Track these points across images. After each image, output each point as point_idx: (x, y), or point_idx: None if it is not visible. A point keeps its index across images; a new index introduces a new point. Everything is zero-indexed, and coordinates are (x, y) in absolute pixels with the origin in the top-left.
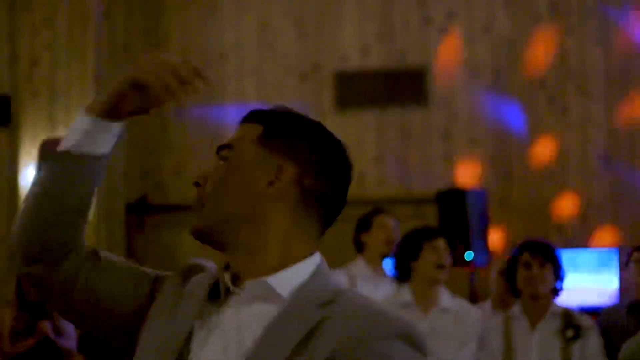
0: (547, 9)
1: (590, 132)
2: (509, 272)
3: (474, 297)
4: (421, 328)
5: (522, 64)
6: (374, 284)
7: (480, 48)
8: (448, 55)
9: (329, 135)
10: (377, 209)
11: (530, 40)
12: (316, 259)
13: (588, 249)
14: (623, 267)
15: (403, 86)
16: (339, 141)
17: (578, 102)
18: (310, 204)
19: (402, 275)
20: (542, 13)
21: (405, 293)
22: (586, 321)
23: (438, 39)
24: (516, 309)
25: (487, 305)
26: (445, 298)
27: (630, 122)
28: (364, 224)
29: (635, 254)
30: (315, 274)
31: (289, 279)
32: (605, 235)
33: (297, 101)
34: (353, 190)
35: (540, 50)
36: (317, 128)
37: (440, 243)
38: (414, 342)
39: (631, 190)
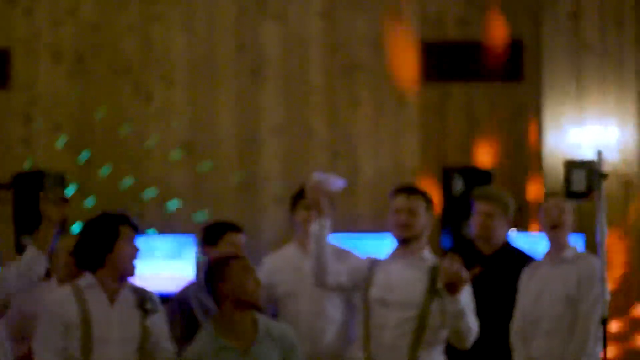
0: None
1: (173, 120)
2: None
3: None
4: None
5: (107, 49)
6: None
7: (64, 31)
8: (31, 37)
9: None
10: None
11: (115, 26)
12: None
13: (165, 235)
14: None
15: None
16: None
17: (161, 89)
18: None
19: None
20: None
21: None
22: (155, 296)
23: (21, 20)
24: (86, 281)
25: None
26: None
27: (212, 111)
28: None
29: (232, 236)
30: None
31: None
32: (183, 223)
33: None
34: None
35: (126, 36)
36: None
37: None
38: None
39: (209, 179)
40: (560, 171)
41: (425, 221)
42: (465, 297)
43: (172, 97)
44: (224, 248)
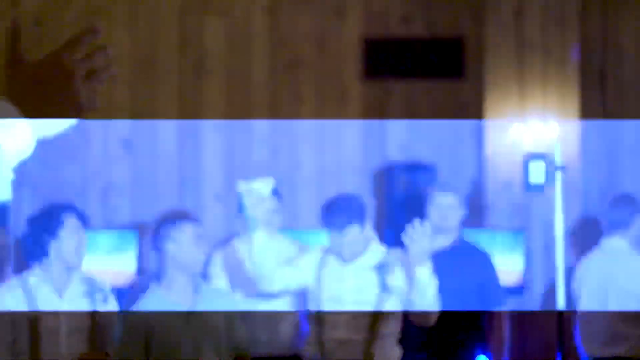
0: None
1: (114, 116)
2: None
3: None
4: None
5: (49, 43)
6: None
7: (4, 24)
8: None
9: None
10: None
11: (58, 20)
12: None
13: (107, 230)
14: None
15: None
16: None
17: (103, 85)
18: None
19: None
20: None
21: None
22: (105, 286)
23: None
24: (33, 273)
25: None
26: None
27: (154, 107)
28: None
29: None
30: None
31: None
32: (125, 217)
33: None
34: None
35: (68, 31)
36: None
37: None
38: None
39: (151, 174)
40: (502, 167)
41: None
42: (430, 271)
43: (114, 92)
44: None
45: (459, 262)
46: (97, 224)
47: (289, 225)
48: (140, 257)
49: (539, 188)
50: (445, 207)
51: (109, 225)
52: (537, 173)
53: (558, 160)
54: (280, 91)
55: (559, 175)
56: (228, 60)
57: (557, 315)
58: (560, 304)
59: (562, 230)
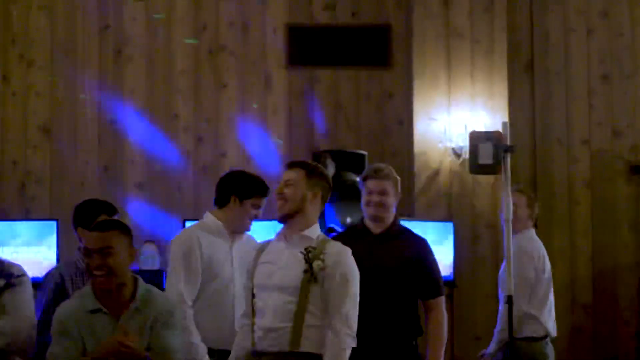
0: None
1: (32, 102)
2: None
3: None
4: None
5: None
6: None
7: None
8: None
9: None
10: None
11: None
12: None
13: (26, 221)
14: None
15: None
16: None
17: (20, 70)
18: None
19: None
20: None
21: None
22: (18, 270)
23: None
24: None
25: None
26: None
27: (74, 92)
28: None
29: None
30: None
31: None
32: (44, 207)
33: None
34: None
35: None
36: None
37: None
38: None
39: (70, 163)
40: (429, 155)
41: (302, 192)
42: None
43: (32, 78)
44: None
45: (396, 247)
46: (15, 213)
47: None
48: (60, 248)
49: (488, 169)
50: (382, 192)
51: (27, 216)
52: (485, 154)
53: (507, 141)
54: (203, 77)
55: (507, 157)
56: (149, 46)
57: (508, 299)
58: (510, 289)
59: (510, 214)
